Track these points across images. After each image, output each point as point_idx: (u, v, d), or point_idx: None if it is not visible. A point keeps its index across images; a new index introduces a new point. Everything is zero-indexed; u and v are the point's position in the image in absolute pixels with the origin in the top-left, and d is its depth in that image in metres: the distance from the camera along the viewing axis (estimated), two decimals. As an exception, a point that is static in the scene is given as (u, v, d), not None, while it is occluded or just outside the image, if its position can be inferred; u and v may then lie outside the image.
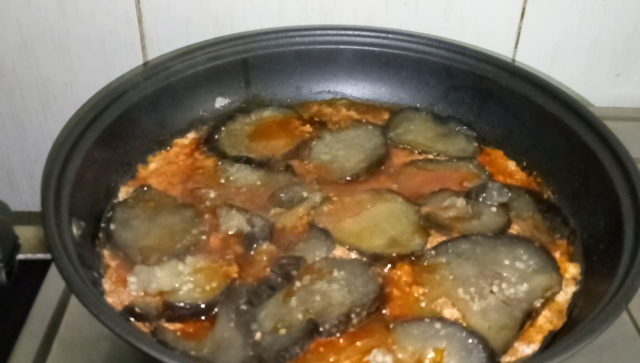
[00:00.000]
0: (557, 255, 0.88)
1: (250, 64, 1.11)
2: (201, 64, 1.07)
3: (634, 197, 0.83)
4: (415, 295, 0.81)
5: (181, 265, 0.82)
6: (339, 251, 0.86)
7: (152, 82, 1.01)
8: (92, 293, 0.70)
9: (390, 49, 1.13)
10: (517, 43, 1.25)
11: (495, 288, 0.81)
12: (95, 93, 1.06)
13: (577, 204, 0.94)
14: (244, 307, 0.77)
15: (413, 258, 0.86)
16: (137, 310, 0.77)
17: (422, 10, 1.21)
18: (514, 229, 0.91)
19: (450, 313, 0.79)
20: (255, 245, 0.86)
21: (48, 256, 0.80)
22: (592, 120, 0.94)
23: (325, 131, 1.07)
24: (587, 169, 0.93)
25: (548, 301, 0.81)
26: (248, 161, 1.00)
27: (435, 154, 1.04)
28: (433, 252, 0.86)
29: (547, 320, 0.80)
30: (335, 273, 0.82)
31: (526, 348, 0.77)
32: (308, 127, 1.08)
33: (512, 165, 1.04)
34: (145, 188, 0.95)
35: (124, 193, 0.95)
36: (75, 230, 0.80)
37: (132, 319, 0.77)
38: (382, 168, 1.01)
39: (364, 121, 1.10)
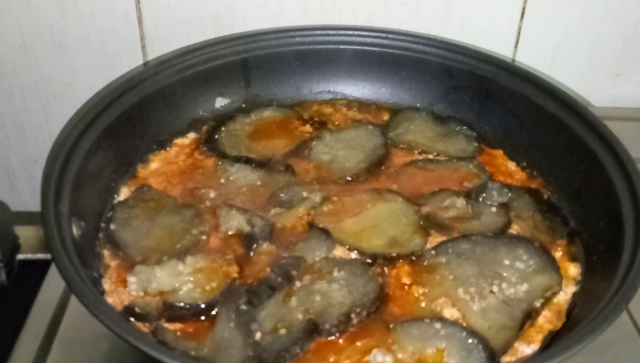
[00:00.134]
0: (557, 255, 0.88)
1: (250, 64, 1.11)
2: (201, 64, 1.07)
3: (634, 197, 0.83)
4: (415, 295, 0.81)
5: (181, 265, 0.82)
6: (339, 251, 0.86)
7: (152, 82, 1.01)
8: (92, 293, 0.70)
9: (390, 49, 1.13)
10: (517, 43, 1.25)
11: (495, 288, 0.81)
12: (95, 93, 1.06)
13: (577, 204, 0.94)
14: (244, 307, 0.77)
15: (413, 258, 0.86)
16: (137, 310, 0.77)
17: (422, 10, 1.21)
18: (514, 229, 0.91)
19: (450, 313, 0.79)
20: (255, 245, 0.86)
21: (48, 256, 0.80)
22: (592, 120, 0.94)
23: (325, 131, 1.07)
24: (587, 169, 0.93)
25: (548, 301, 0.81)
26: (248, 161, 1.00)
27: (435, 154, 1.04)
28: (433, 252, 0.86)
29: (547, 320, 0.80)
30: (335, 273, 0.82)
31: (526, 348, 0.77)
32: (308, 127, 1.08)
33: (512, 165, 1.04)
34: (145, 188, 0.95)
35: (124, 193, 0.95)
36: (75, 230, 0.80)
37: (132, 319, 0.77)
38: (382, 168, 1.01)
39: (364, 121, 1.10)
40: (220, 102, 1.11)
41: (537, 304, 0.80)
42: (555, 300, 0.82)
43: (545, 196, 0.98)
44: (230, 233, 0.88)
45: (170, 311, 0.77)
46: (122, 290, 0.81)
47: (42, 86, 1.26)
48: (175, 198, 0.94)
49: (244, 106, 1.12)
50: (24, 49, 1.21)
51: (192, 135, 1.07)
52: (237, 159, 1.00)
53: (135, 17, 1.19)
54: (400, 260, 0.85)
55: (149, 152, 1.01)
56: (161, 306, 0.78)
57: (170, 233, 0.88)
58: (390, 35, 1.13)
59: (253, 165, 0.99)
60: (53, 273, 0.91)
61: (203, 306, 0.78)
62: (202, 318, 0.78)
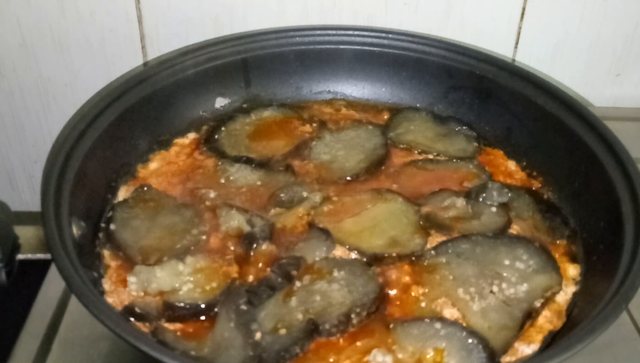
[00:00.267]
0: (557, 255, 0.88)
1: (250, 64, 1.11)
2: (201, 64, 1.07)
3: (634, 197, 0.83)
4: (415, 295, 0.81)
5: (181, 265, 0.82)
6: (339, 251, 0.86)
7: (151, 82, 1.01)
8: (92, 293, 0.70)
9: (390, 49, 1.13)
10: (517, 43, 1.25)
11: (495, 288, 0.81)
12: (95, 93, 1.06)
13: (577, 204, 0.94)
14: (244, 307, 0.77)
15: (413, 258, 0.86)
16: (137, 310, 0.77)
17: (422, 10, 1.21)
18: (514, 229, 0.91)
19: (450, 313, 0.79)
20: (255, 245, 0.86)
21: (48, 256, 0.80)
22: (592, 120, 0.94)
23: (325, 131, 1.07)
24: (587, 169, 0.93)
25: (548, 301, 0.81)
26: (248, 161, 1.00)
27: (435, 154, 1.04)
28: (433, 252, 0.86)
29: (547, 320, 0.80)
30: (335, 273, 0.82)
31: (526, 348, 0.77)
32: (308, 127, 1.08)
33: (512, 165, 1.04)
34: (145, 188, 0.95)
35: (124, 192, 0.95)
36: (75, 230, 0.80)
37: (132, 319, 0.77)
38: (382, 168, 1.01)
39: (364, 121, 1.10)
40: (220, 102, 1.11)
41: (537, 304, 0.80)
42: (555, 300, 0.82)
43: (545, 196, 0.97)
44: (230, 233, 0.88)
45: (170, 311, 0.77)
46: (122, 290, 0.81)
47: (42, 86, 1.26)
48: (175, 198, 0.94)
49: (244, 106, 1.12)
50: (24, 49, 1.21)
51: (192, 135, 1.07)
52: (237, 159, 1.00)
53: (135, 17, 1.19)
54: (401, 260, 0.85)
55: (149, 152, 1.02)
56: (161, 306, 0.78)
57: (170, 233, 0.88)
58: (390, 35, 1.13)
59: (253, 165, 0.99)
60: (53, 273, 0.91)
61: (203, 306, 0.78)
62: (202, 318, 0.78)
